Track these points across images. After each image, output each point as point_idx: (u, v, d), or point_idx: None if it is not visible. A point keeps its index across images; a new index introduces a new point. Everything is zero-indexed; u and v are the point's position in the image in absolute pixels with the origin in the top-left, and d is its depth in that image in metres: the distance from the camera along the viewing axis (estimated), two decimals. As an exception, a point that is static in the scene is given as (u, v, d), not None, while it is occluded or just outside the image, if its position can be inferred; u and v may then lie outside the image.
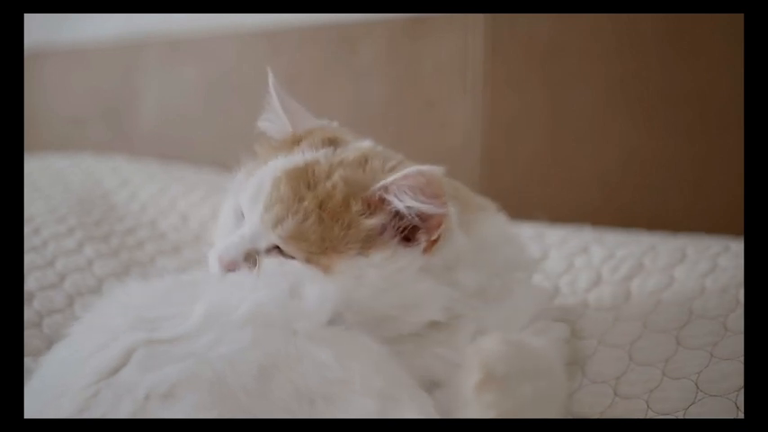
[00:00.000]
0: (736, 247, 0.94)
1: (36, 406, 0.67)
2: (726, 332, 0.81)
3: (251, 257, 0.76)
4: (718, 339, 0.80)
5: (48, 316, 0.92)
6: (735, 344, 0.79)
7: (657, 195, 1.25)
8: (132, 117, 1.82)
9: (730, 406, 0.74)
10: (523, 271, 0.85)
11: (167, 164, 1.49)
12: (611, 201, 1.29)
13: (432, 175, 0.72)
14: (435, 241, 0.75)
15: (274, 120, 0.86)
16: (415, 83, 1.45)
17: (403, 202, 0.73)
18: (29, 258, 1.00)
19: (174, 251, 1.12)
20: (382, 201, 0.74)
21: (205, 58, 1.73)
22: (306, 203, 0.74)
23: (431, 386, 0.73)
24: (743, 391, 0.74)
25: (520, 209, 1.00)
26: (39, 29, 1.87)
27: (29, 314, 0.91)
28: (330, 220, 0.74)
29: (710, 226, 1.09)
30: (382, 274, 0.73)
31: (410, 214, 0.74)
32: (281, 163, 0.78)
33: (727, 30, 1.16)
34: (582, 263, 1.00)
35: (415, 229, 0.75)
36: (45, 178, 1.25)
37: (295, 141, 0.82)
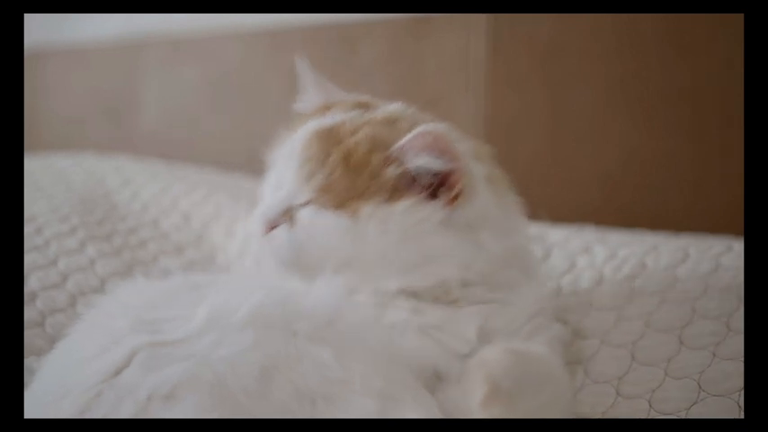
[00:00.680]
0: (739, 246, 0.94)
1: (38, 407, 0.67)
2: (728, 332, 0.80)
3: (288, 214, 0.80)
4: (721, 339, 0.80)
5: (50, 315, 0.92)
6: (737, 344, 0.79)
7: (658, 195, 1.25)
8: (133, 117, 1.82)
9: (733, 406, 0.74)
10: (534, 263, 0.88)
11: (169, 163, 1.49)
12: (612, 200, 1.29)
13: (436, 132, 0.76)
14: (456, 197, 0.77)
15: (309, 99, 0.90)
16: (416, 82, 1.45)
17: (416, 162, 0.76)
18: (31, 258, 0.99)
19: (177, 251, 1.12)
20: (404, 159, 0.77)
21: (206, 57, 1.73)
22: (332, 157, 0.78)
23: (434, 379, 0.73)
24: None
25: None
26: (39, 29, 1.87)
27: (32, 314, 0.91)
28: (355, 171, 0.77)
29: (711, 225, 1.09)
30: (404, 222, 0.76)
31: (426, 173, 0.76)
32: (311, 125, 0.82)
33: (727, 30, 1.16)
34: (584, 263, 1.00)
35: (439, 186, 0.77)
36: (47, 178, 1.25)
37: (326, 108, 0.86)
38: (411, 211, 0.77)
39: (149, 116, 1.80)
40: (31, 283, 0.96)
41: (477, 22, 1.35)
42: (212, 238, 1.16)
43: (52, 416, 0.65)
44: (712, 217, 1.17)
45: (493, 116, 1.36)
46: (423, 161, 0.76)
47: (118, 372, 0.65)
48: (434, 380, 0.73)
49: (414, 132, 0.76)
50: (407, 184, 0.77)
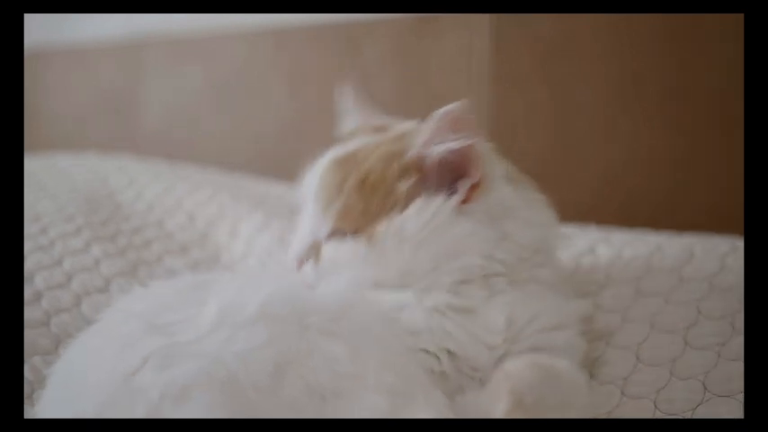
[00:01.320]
0: (744, 246, 0.94)
1: (51, 411, 0.68)
2: (734, 332, 0.81)
3: (315, 248, 0.80)
4: (726, 339, 0.80)
5: (55, 315, 0.92)
6: (742, 344, 0.79)
7: (659, 194, 1.25)
8: (135, 117, 1.82)
9: (738, 407, 0.74)
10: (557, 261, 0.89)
11: (172, 163, 1.49)
12: (615, 199, 1.29)
13: (457, 110, 0.75)
14: (476, 186, 0.77)
15: (349, 124, 0.91)
16: (419, 82, 1.45)
17: (437, 151, 0.76)
18: (36, 258, 0.99)
19: (182, 250, 1.12)
20: (421, 159, 0.77)
21: (208, 57, 1.73)
22: (348, 182, 0.78)
23: (450, 377, 0.73)
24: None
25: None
26: (39, 29, 1.87)
27: (37, 314, 0.91)
28: (371, 191, 0.78)
29: (712, 225, 1.09)
30: (419, 221, 0.77)
31: (448, 159, 0.76)
32: (330, 154, 0.83)
33: (727, 30, 1.16)
34: (589, 263, 1.00)
35: (457, 179, 0.77)
36: (51, 177, 1.25)
37: (352, 135, 0.87)
38: (422, 209, 0.77)
39: (151, 116, 1.80)
40: (37, 282, 0.95)
41: (480, 22, 1.36)
42: (217, 238, 1.16)
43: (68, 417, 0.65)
44: (714, 217, 1.17)
45: (497, 115, 1.36)
46: (442, 146, 0.76)
47: (133, 374, 0.65)
48: (450, 378, 0.73)
49: (432, 119, 0.76)
50: (423, 184, 0.77)
